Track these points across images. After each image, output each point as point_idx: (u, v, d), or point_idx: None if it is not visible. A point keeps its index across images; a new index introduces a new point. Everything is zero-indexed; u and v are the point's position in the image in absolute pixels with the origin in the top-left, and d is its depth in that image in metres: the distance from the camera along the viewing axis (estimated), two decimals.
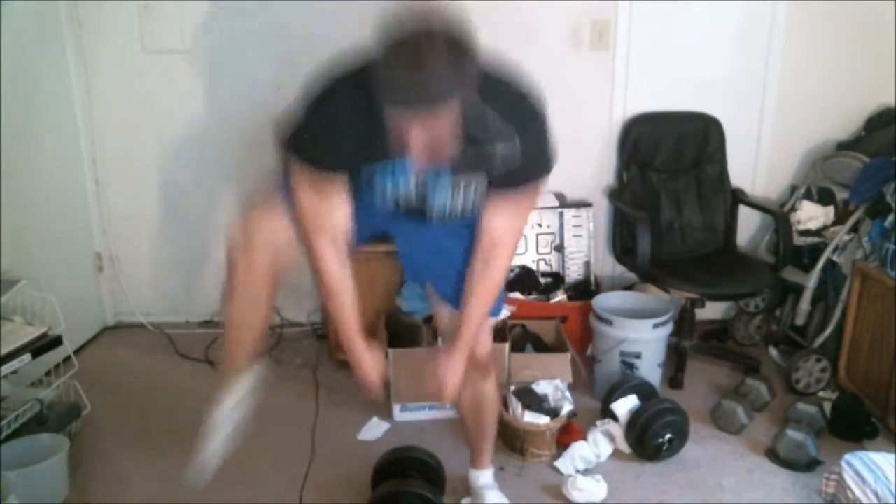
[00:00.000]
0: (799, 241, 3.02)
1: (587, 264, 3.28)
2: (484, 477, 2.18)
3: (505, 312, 2.63)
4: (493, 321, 1.95)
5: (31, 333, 2.34)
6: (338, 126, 1.54)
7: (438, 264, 1.86)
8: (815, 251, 2.98)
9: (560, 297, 3.10)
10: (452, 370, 1.76)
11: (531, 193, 1.66)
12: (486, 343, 1.93)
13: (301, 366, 3.10)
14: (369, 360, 1.78)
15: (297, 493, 2.26)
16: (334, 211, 1.63)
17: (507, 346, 2.62)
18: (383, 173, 1.61)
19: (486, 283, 1.73)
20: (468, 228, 1.72)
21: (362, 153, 1.56)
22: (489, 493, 2.15)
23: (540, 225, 3.24)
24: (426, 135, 1.36)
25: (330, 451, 2.48)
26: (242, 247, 1.76)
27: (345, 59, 1.59)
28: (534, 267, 3.24)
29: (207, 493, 2.26)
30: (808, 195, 3.10)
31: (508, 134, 1.51)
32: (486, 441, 2.14)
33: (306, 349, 3.24)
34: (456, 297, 1.79)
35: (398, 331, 2.81)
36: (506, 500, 2.16)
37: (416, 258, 1.92)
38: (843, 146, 3.16)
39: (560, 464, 2.39)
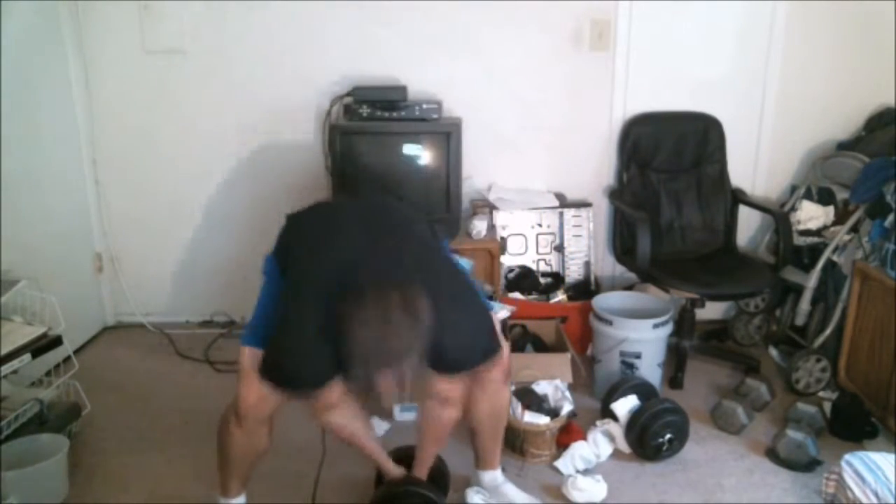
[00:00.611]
0: (799, 241, 3.02)
1: (587, 264, 3.28)
2: (498, 475, 2.22)
3: (505, 313, 2.63)
4: (499, 317, 2.07)
5: (31, 333, 2.34)
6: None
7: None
8: (815, 251, 2.98)
9: (560, 297, 3.10)
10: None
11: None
12: (506, 347, 2.00)
13: None
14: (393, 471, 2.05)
15: (307, 493, 2.26)
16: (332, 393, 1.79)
17: (507, 346, 2.61)
18: None
19: (441, 426, 1.98)
20: None
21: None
22: (509, 488, 2.21)
23: (540, 225, 3.25)
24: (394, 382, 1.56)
25: (332, 451, 2.48)
26: (238, 420, 1.92)
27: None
28: (534, 267, 3.24)
29: (209, 493, 2.27)
30: (808, 195, 3.10)
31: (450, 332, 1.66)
32: (499, 443, 2.20)
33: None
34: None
35: None
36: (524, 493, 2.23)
37: None
38: (843, 146, 3.16)
39: (560, 464, 2.39)
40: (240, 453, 1.97)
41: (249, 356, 1.88)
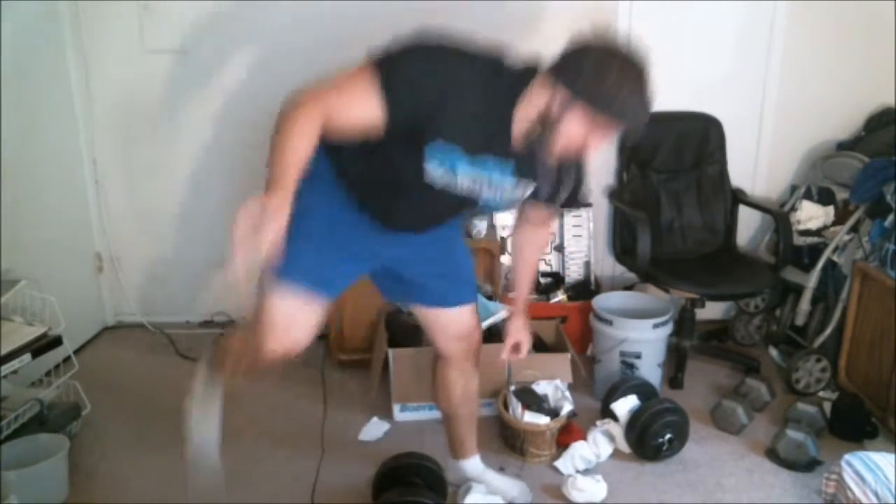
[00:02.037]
0: (799, 241, 3.02)
1: (587, 264, 3.28)
2: (479, 461, 2.25)
3: (505, 313, 2.63)
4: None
5: (31, 333, 2.34)
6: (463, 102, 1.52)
7: (446, 263, 1.95)
8: (815, 251, 2.98)
9: (560, 297, 3.10)
10: (526, 330, 2.04)
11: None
12: (480, 336, 2.09)
13: (301, 366, 3.09)
14: None
15: (307, 492, 2.26)
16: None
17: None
18: (470, 165, 1.59)
19: (538, 247, 2.09)
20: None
21: (481, 141, 1.57)
22: (491, 474, 2.25)
23: None
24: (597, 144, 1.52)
25: (332, 452, 2.48)
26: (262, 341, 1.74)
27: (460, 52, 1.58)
28: None
29: (210, 493, 2.27)
30: (808, 195, 3.10)
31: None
32: (475, 429, 2.23)
33: (306, 349, 3.22)
34: (467, 290, 1.98)
35: (398, 331, 2.80)
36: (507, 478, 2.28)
37: (414, 273, 1.91)
38: (843, 146, 3.16)
39: (560, 464, 2.39)
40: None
41: (287, 297, 1.68)
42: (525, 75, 1.55)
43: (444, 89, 1.48)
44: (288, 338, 1.71)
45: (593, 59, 1.47)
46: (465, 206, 1.72)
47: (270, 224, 1.31)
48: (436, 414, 2.64)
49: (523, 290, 2.06)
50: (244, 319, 1.79)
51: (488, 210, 1.73)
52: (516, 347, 2.05)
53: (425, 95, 1.48)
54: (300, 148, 1.46)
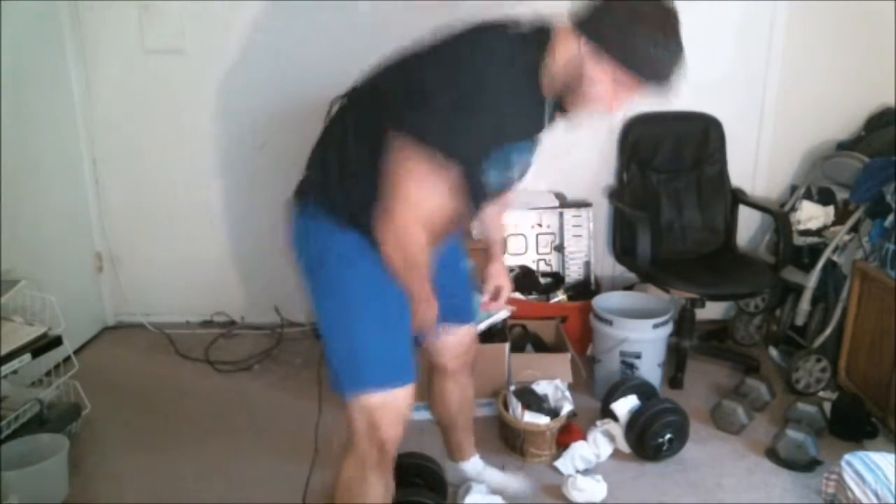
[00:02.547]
0: (799, 241, 3.01)
1: (587, 264, 3.28)
2: (479, 461, 2.26)
3: (505, 313, 2.63)
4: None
5: (31, 333, 2.34)
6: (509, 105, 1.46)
7: (454, 282, 1.91)
8: (815, 251, 2.98)
9: (560, 297, 3.10)
10: (505, 274, 2.01)
11: None
12: (477, 347, 2.10)
13: (301, 366, 3.10)
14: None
15: (300, 493, 2.26)
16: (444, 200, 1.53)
17: (507, 346, 2.61)
18: (519, 151, 1.56)
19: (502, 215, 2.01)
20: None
21: (528, 124, 1.53)
22: (491, 472, 2.26)
23: (540, 225, 3.25)
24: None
25: (324, 452, 2.48)
26: (383, 466, 1.68)
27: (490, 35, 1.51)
28: (534, 267, 3.24)
29: (209, 493, 2.27)
30: (808, 195, 3.10)
31: None
32: (472, 431, 2.24)
33: (306, 349, 3.24)
34: (471, 308, 1.98)
35: None
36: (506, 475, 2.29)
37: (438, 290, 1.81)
38: (843, 146, 3.16)
39: (560, 464, 2.39)
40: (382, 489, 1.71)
41: (387, 397, 1.62)
42: (543, 37, 1.47)
43: (490, 120, 1.42)
44: (401, 419, 1.65)
45: (620, 9, 1.38)
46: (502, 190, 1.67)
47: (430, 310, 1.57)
48: None
49: (496, 237, 2.00)
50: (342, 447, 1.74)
51: (510, 186, 1.66)
52: (497, 293, 2.00)
53: (482, 135, 1.44)
54: (422, 258, 1.53)
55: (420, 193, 1.46)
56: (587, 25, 1.40)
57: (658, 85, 1.44)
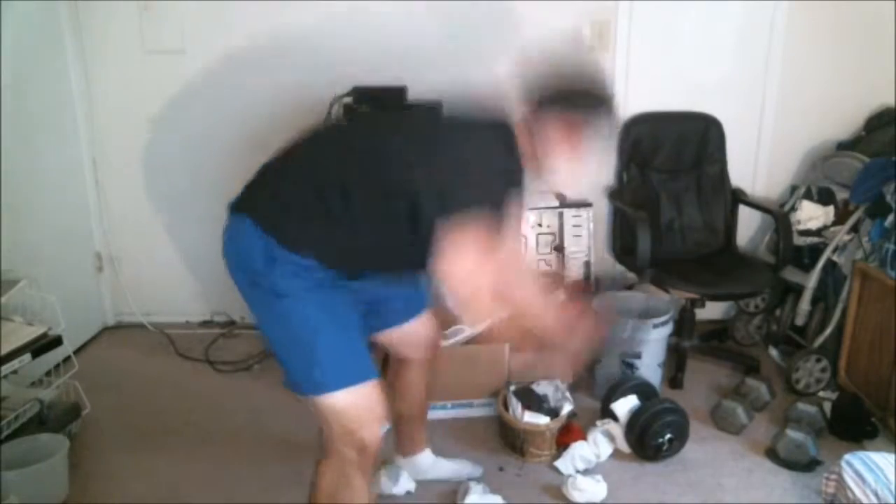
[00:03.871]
0: (799, 241, 3.02)
1: (587, 264, 3.28)
2: (430, 453, 2.30)
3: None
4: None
5: (31, 333, 2.34)
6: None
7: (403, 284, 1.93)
8: (815, 251, 2.98)
9: (560, 297, 3.09)
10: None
11: None
12: (440, 335, 2.15)
13: None
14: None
15: (301, 493, 2.26)
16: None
17: (506, 346, 2.61)
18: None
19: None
20: None
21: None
22: (444, 463, 2.30)
23: (540, 225, 3.24)
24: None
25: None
26: (364, 468, 1.69)
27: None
28: (534, 267, 3.24)
29: (209, 493, 2.27)
30: (808, 195, 3.10)
31: None
32: (426, 423, 2.28)
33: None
34: (424, 296, 1.99)
35: None
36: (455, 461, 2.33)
37: (381, 300, 1.90)
38: (843, 146, 3.16)
39: (560, 464, 2.39)
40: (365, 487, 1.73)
41: (352, 396, 1.64)
42: (508, 137, 1.67)
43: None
44: (375, 417, 1.67)
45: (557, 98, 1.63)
46: None
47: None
48: (436, 412, 2.65)
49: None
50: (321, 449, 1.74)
51: None
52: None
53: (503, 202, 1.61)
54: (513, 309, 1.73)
55: (491, 268, 1.56)
56: (534, 125, 1.65)
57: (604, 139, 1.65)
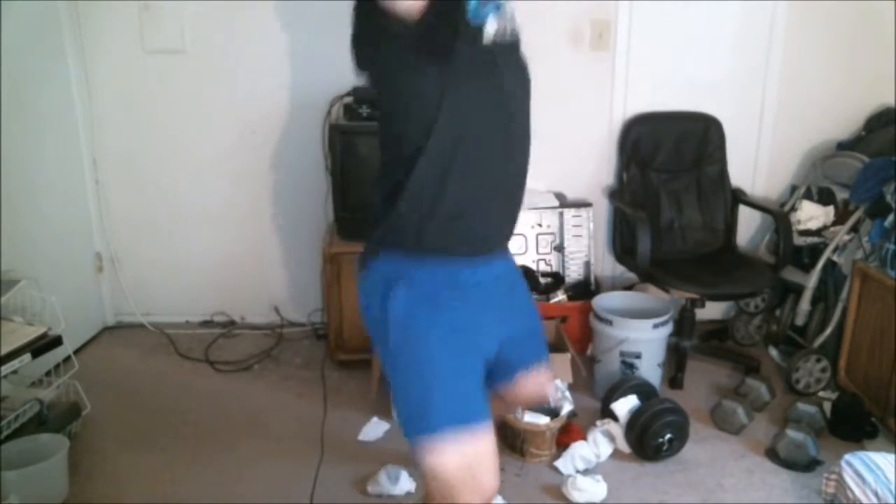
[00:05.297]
0: (799, 241, 3.02)
1: (587, 264, 3.28)
2: None
3: None
4: None
5: (31, 333, 2.34)
6: None
7: (527, 310, 1.64)
8: (815, 251, 2.98)
9: (560, 297, 3.10)
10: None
11: None
12: None
13: (301, 366, 3.10)
14: None
15: (303, 492, 2.26)
16: None
17: None
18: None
19: None
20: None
21: None
22: None
23: (540, 225, 3.25)
24: None
25: (330, 451, 2.48)
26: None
27: None
28: (534, 267, 3.24)
29: (209, 493, 2.27)
30: (808, 195, 3.11)
31: None
32: None
33: (306, 349, 3.24)
34: (541, 339, 1.66)
35: None
36: None
37: (517, 337, 1.57)
38: (843, 146, 3.16)
39: (560, 464, 2.39)
40: None
41: (461, 446, 1.37)
42: None
43: None
44: (481, 483, 1.41)
45: None
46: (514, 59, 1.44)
47: None
48: None
49: None
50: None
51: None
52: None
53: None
54: None
55: None
56: None
57: None
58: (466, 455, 1.38)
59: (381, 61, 1.35)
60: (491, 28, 1.34)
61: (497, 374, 1.57)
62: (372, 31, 1.32)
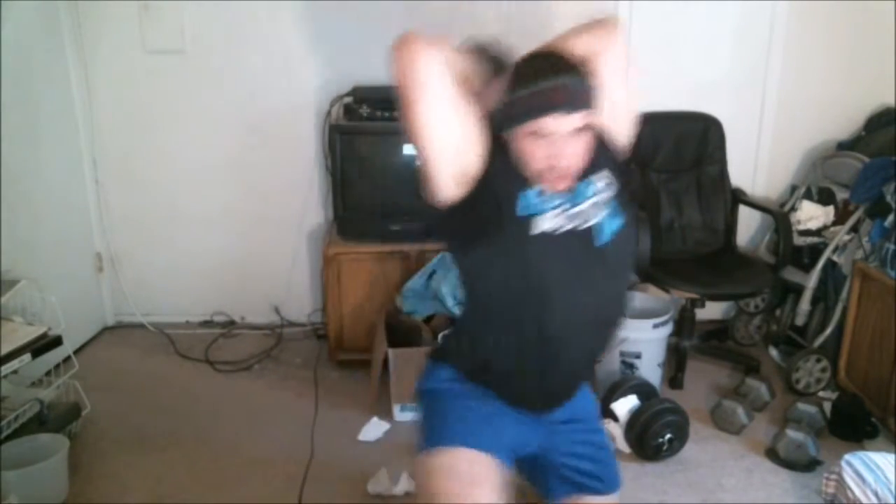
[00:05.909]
0: (799, 241, 3.02)
1: None
2: None
3: None
4: None
5: (31, 333, 2.34)
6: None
7: (591, 446, 1.59)
8: (815, 251, 2.98)
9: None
10: None
11: None
12: None
13: (301, 366, 3.10)
14: None
15: (297, 493, 2.26)
16: None
17: None
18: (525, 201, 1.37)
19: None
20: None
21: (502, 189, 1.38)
22: None
23: None
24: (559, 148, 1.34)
25: (329, 452, 2.48)
26: None
27: None
28: None
29: (208, 493, 2.27)
30: (808, 195, 3.10)
31: None
32: None
33: (306, 349, 3.24)
34: (612, 471, 1.60)
35: (398, 331, 2.80)
36: None
37: (564, 459, 1.56)
38: (843, 146, 3.16)
39: None
40: None
41: (457, 458, 1.42)
42: None
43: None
44: (472, 493, 1.38)
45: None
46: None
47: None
48: None
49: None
50: None
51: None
52: None
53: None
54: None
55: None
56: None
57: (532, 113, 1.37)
58: (464, 465, 1.41)
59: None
60: (546, 224, 1.36)
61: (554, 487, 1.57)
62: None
